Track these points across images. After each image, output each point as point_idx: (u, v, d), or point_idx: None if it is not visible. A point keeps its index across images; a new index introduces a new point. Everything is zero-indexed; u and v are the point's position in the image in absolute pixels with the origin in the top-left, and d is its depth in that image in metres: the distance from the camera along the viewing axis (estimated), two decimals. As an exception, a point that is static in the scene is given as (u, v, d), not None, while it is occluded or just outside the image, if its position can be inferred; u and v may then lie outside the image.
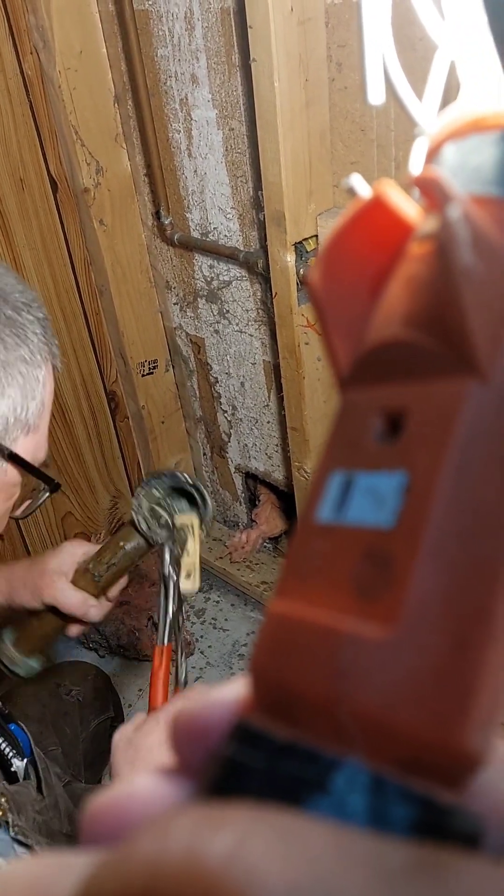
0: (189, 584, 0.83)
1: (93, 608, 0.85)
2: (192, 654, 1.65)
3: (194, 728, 0.16)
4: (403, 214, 0.19)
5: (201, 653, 1.66)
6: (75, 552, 0.88)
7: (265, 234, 1.17)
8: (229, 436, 1.68)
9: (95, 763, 1.39)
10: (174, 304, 1.59)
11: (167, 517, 0.88)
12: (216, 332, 1.52)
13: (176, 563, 0.82)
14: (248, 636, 1.68)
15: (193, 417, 1.77)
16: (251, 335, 1.44)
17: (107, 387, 1.66)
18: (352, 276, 0.18)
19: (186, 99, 1.27)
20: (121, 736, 0.74)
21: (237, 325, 1.46)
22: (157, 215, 1.43)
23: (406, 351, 0.16)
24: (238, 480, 1.76)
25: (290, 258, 1.15)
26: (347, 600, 0.15)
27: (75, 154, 1.37)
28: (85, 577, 0.85)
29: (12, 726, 0.84)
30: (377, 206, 0.19)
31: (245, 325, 1.44)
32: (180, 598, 0.81)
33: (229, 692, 0.17)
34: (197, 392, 1.70)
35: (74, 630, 0.89)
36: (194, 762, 0.16)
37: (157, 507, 0.89)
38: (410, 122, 1.03)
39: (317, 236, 1.15)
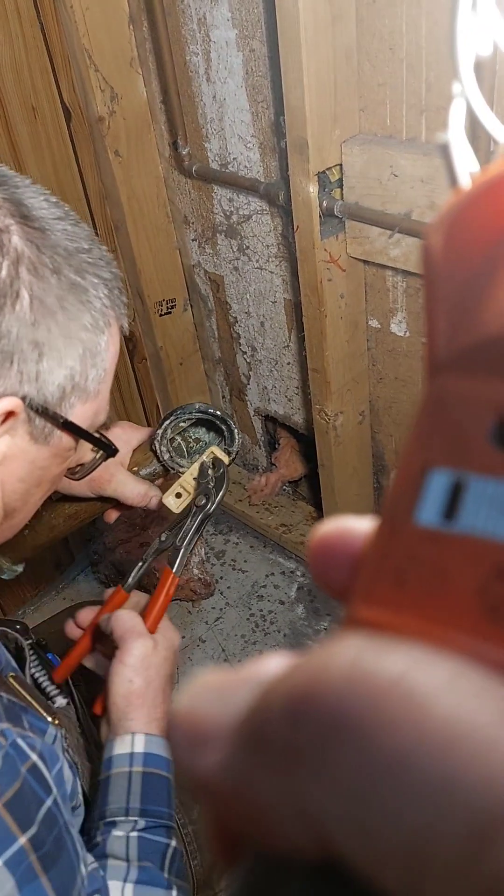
0: (174, 504, 0.83)
1: (154, 498, 0.85)
2: (211, 595, 1.66)
3: (333, 547, 0.18)
4: None
5: (220, 593, 1.67)
6: (130, 440, 0.87)
7: (287, 164, 1.12)
8: (248, 378, 1.66)
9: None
10: (192, 239, 1.54)
11: (193, 447, 0.89)
12: (236, 269, 1.48)
13: (208, 493, 0.81)
14: (267, 577, 1.68)
15: (212, 359, 1.74)
16: (272, 272, 1.40)
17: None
18: (478, 251, 0.15)
19: (204, 18, 1.20)
20: (145, 654, 0.76)
21: (257, 261, 1.41)
22: (174, 145, 1.37)
23: None
24: (257, 423, 1.74)
25: (313, 188, 1.10)
26: (470, 619, 0.14)
27: (89, 80, 1.31)
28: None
29: (49, 655, 0.86)
30: None
31: (265, 262, 1.40)
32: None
33: (364, 524, 0.18)
34: (216, 332, 1.67)
35: (113, 515, 0.90)
36: (330, 576, 0.18)
37: (179, 438, 0.89)
38: (443, 38, 0.96)
39: (341, 165, 1.10)
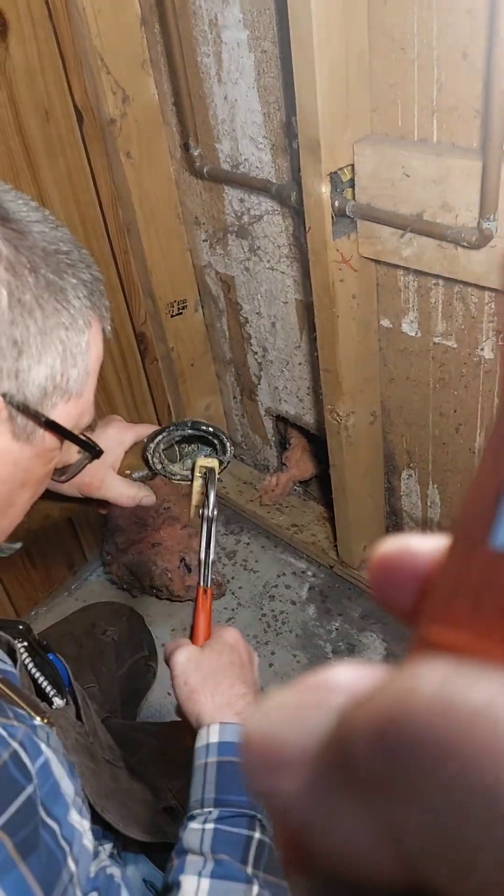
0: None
1: (145, 498, 0.86)
2: (223, 595, 1.66)
3: (396, 568, 0.17)
4: None
5: (232, 594, 1.67)
6: (123, 441, 0.88)
7: (298, 165, 1.12)
8: (259, 378, 1.66)
9: (131, 699, 1.43)
10: (203, 240, 1.54)
11: (185, 448, 0.92)
12: (247, 269, 1.48)
13: (212, 505, 0.83)
14: (278, 578, 1.68)
15: (223, 360, 1.74)
16: (283, 272, 1.40)
17: (136, 328, 1.63)
18: None
19: (216, 19, 1.20)
20: (188, 656, 0.75)
21: (268, 262, 1.42)
22: (185, 147, 1.38)
23: None
24: (268, 424, 1.75)
25: (325, 189, 1.10)
26: None
27: (101, 82, 1.31)
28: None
29: (51, 656, 0.86)
30: None
31: (277, 262, 1.40)
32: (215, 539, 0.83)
33: (426, 543, 0.17)
34: (227, 333, 1.67)
35: (104, 511, 0.92)
36: (393, 596, 0.17)
37: (175, 447, 0.92)
38: (455, 39, 0.96)
39: (353, 165, 1.10)
